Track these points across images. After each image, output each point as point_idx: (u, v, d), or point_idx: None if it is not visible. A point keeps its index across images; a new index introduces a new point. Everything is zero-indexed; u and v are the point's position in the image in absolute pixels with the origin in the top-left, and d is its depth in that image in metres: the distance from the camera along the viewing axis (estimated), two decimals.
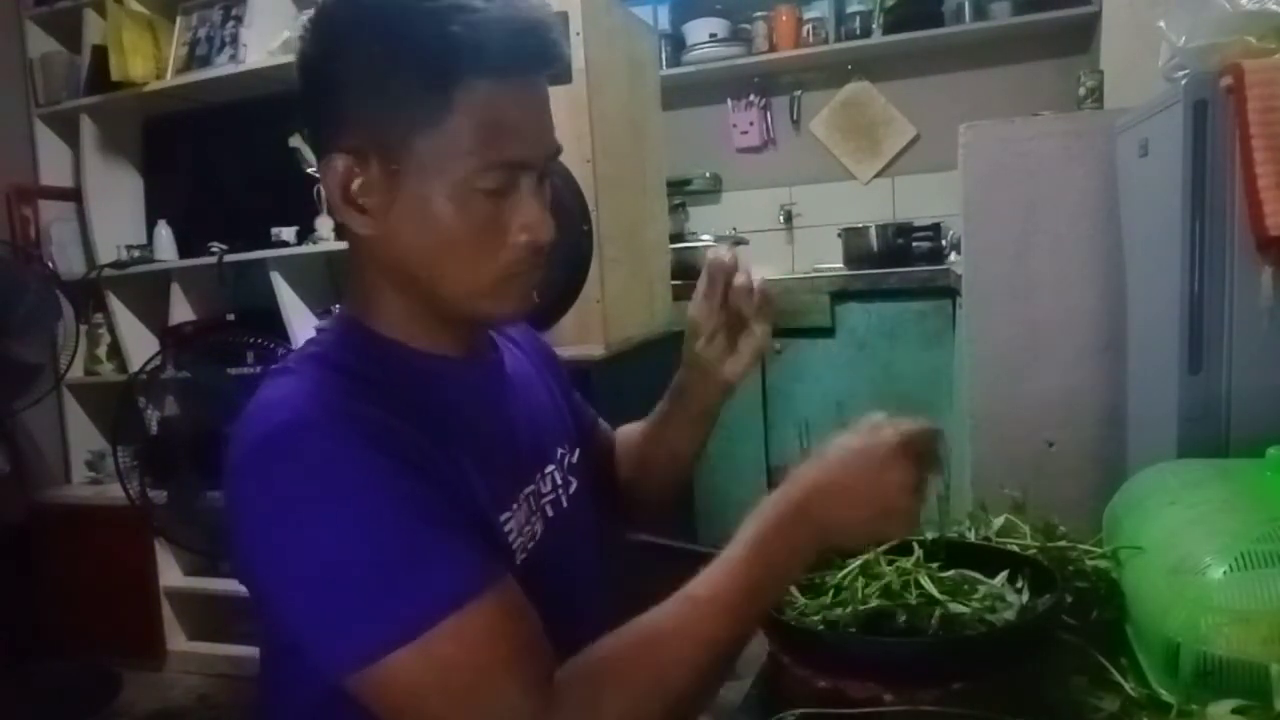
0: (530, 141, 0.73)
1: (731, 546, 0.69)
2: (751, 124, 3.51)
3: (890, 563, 0.85)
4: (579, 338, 2.19)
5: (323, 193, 0.74)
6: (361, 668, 0.61)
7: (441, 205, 0.70)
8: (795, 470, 0.72)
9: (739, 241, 3.34)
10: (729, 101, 3.53)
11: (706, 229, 3.44)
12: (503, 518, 0.77)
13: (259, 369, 2.44)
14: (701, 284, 0.90)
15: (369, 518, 0.63)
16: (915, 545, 0.87)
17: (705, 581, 0.68)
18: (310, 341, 0.78)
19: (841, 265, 3.10)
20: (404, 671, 0.61)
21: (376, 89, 0.69)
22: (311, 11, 0.74)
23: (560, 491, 0.88)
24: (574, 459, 0.93)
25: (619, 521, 1.11)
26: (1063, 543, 0.90)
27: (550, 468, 0.88)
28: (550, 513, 0.85)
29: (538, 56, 0.72)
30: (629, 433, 1.08)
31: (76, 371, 2.91)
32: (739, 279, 0.89)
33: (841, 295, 2.82)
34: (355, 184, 0.72)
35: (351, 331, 0.78)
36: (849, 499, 0.69)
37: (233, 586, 2.11)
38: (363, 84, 0.70)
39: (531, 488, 0.84)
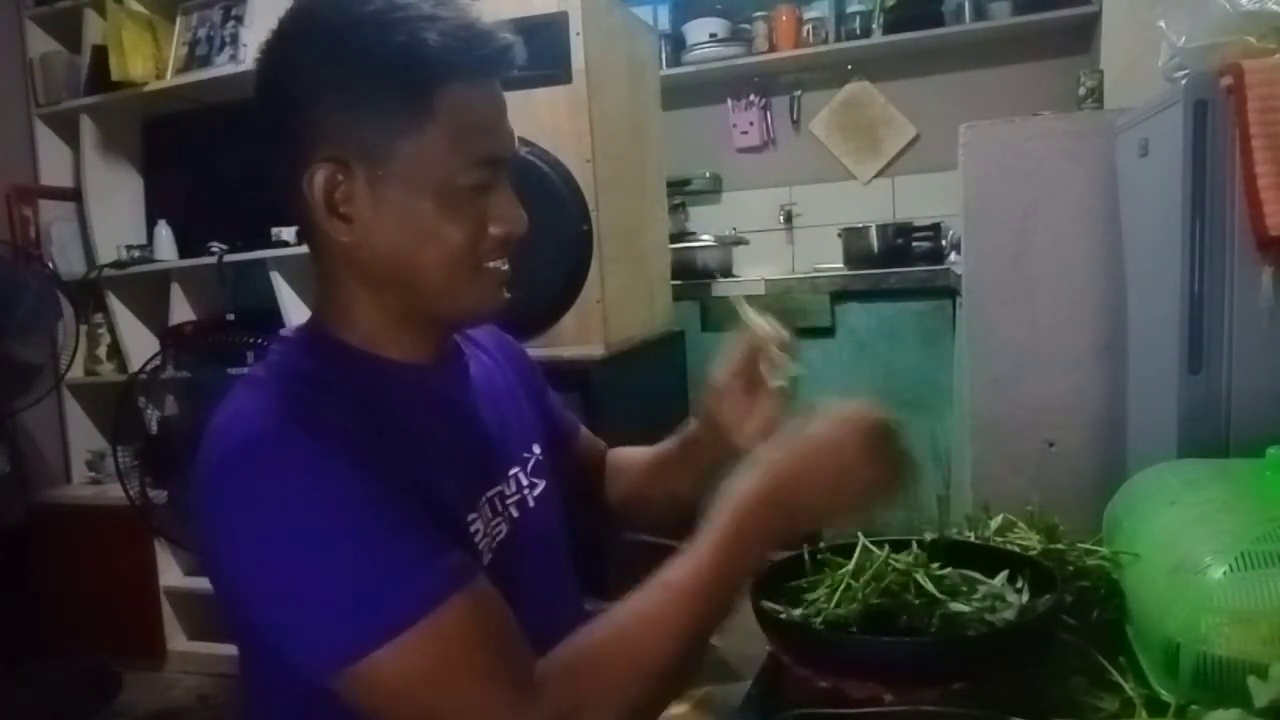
0: (503, 137, 0.78)
1: (705, 533, 0.72)
2: (751, 124, 3.51)
3: (889, 563, 0.85)
4: (579, 338, 2.19)
5: (308, 199, 0.74)
6: (341, 669, 0.63)
7: (428, 206, 0.73)
8: (765, 455, 0.74)
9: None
10: (729, 101, 3.53)
11: (706, 229, 3.44)
12: (469, 518, 0.78)
13: None
14: (736, 352, 0.92)
15: (339, 525, 0.64)
16: (915, 545, 0.87)
17: (680, 570, 0.70)
18: (274, 350, 0.79)
19: (841, 265, 3.09)
20: (384, 672, 0.62)
21: (357, 100, 0.71)
22: (268, 34, 0.75)
23: (526, 492, 0.90)
24: (542, 458, 0.94)
25: (604, 524, 1.12)
26: (1063, 543, 0.90)
27: (515, 470, 0.89)
28: (515, 513, 0.87)
29: (500, 59, 0.75)
30: (628, 457, 1.09)
31: (76, 371, 2.90)
32: (773, 355, 0.92)
33: (841, 295, 2.82)
34: (338, 192, 0.73)
35: (317, 340, 0.79)
36: (817, 488, 0.72)
37: None
38: (342, 96, 0.72)
39: (496, 490, 0.85)
